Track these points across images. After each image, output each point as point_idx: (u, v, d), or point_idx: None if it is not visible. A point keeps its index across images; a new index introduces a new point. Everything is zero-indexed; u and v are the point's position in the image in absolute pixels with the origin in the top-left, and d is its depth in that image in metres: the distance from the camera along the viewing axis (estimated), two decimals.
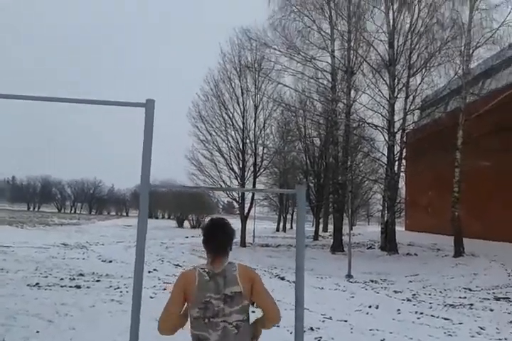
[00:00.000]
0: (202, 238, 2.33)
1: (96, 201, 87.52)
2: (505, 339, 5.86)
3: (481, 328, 6.41)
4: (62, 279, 9.33)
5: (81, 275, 10.02)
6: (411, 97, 18.88)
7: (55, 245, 17.92)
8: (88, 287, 8.56)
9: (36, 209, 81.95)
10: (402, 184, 27.06)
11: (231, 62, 24.24)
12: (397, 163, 19.55)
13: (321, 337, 5.63)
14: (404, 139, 20.63)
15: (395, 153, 19.21)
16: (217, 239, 2.29)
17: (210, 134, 24.40)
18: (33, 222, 36.72)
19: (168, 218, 65.24)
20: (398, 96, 18.78)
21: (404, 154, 20.58)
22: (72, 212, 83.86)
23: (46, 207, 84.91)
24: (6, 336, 5.19)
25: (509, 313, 7.52)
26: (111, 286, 8.73)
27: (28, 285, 8.55)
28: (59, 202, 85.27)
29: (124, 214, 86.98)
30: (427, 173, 21.63)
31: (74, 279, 9.41)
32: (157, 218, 67.50)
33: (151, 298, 7.79)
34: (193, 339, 2.20)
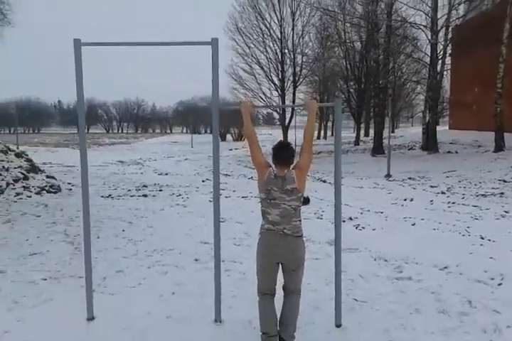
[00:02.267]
0: (272, 155, 3.17)
1: (141, 120, 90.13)
2: None
3: (506, 212, 7.11)
4: (129, 190, 10.62)
5: (144, 186, 11.29)
6: None
7: (112, 163, 19.49)
8: (154, 195, 9.79)
9: (86, 131, 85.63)
10: (446, 83, 26.40)
11: None
12: (440, 62, 19.02)
13: (358, 224, 6.54)
14: (449, 36, 19.71)
15: (439, 51, 18.61)
16: (282, 157, 3.12)
17: (249, 47, 24.26)
18: (87, 143, 38.93)
19: (210, 133, 66.83)
20: None
21: (449, 52, 19.86)
22: (120, 131, 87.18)
23: (94, 128, 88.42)
24: (100, 234, 6.40)
25: None
26: (173, 194, 9.93)
27: (101, 196, 9.86)
28: (106, 123, 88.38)
29: (168, 131, 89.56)
30: (473, 70, 20.93)
31: (139, 190, 10.69)
32: (199, 133, 69.25)
33: (210, 201, 8.91)
34: (262, 213, 3.17)
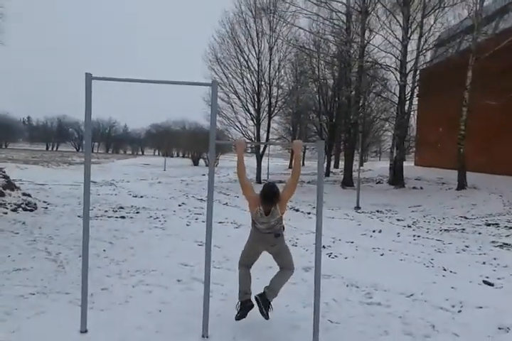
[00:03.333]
0: (260, 196, 3.86)
1: (112, 140, 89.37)
2: (484, 254, 7.10)
3: (466, 246, 7.66)
4: (106, 211, 10.71)
5: (121, 208, 11.40)
6: (424, 37, 19.02)
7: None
8: (131, 217, 9.93)
9: (55, 149, 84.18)
10: (413, 121, 27.81)
11: (246, 4, 24.17)
12: (407, 102, 20.14)
13: (331, 253, 6.93)
14: (417, 78, 20.95)
15: (406, 92, 19.74)
16: (268, 200, 3.80)
17: (227, 77, 24.94)
18: (56, 161, 38.44)
19: (183, 157, 66.93)
20: (411, 37, 18.93)
21: (416, 92, 21.06)
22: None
23: (64, 146, 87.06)
24: (81, 253, 6.52)
25: (494, 235, 8.75)
26: (151, 216, 10.11)
27: (78, 216, 9.88)
28: (76, 141, 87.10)
29: (140, 153, 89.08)
30: (438, 111, 22.21)
31: (116, 211, 10.79)
32: (172, 157, 69.20)
33: (187, 225, 9.16)
34: (252, 224, 4.00)
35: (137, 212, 10.73)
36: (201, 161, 46.55)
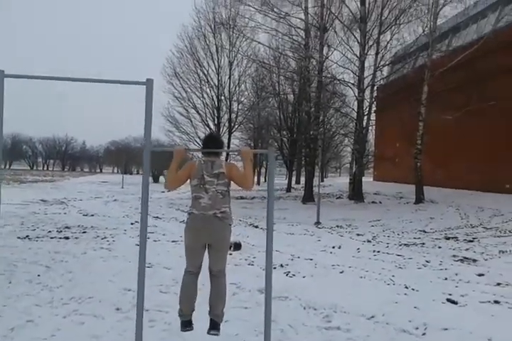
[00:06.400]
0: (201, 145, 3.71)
1: (69, 158, 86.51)
2: (446, 269, 6.88)
3: (427, 261, 7.44)
4: (49, 232, 9.93)
5: (67, 227, 10.62)
6: (381, 54, 19.36)
7: (34, 201, 18.28)
8: (76, 237, 9.20)
9: (8, 167, 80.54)
10: (371, 137, 28.22)
11: (206, 19, 24.07)
12: (366, 117, 20.32)
13: (289, 272, 6.52)
14: (375, 93, 21.27)
15: (364, 108, 19.92)
16: (210, 147, 3.57)
17: (186, 91, 24.60)
18: (7, 180, 36.51)
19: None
20: (368, 53, 19.22)
21: (374, 108, 21.35)
22: (45, 169, 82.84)
23: (17, 164, 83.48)
24: (12, 279, 5.84)
25: (454, 249, 8.61)
26: (98, 236, 9.40)
27: (18, 237, 9.11)
28: (30, 159, 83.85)
29: (98, 170, 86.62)
30: (395, 127, 22.52)
31: (61, 231, 10.02)
32: (131, 174, 67.71)
33: (137, 245, 8.53)
34: (193, 199, 3.45)
35: (84, 232, 9.99)
36: (161, 178, 45.55)
